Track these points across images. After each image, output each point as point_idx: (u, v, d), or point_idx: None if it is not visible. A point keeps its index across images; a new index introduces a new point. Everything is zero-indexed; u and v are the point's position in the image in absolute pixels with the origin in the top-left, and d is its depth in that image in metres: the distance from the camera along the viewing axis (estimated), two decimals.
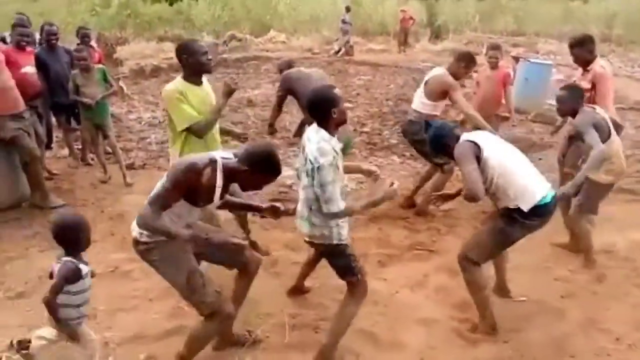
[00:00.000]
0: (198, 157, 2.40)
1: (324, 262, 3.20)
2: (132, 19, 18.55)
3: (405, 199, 5.07)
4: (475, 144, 2.87)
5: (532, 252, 4.07)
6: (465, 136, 2.97)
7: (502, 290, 3.46)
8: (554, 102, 6.12)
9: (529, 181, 2.89)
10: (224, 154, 2.46)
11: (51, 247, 3.04)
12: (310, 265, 3.36)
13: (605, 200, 3.93)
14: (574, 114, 3.69)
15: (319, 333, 3.07)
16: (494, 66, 5.36)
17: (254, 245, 3.57)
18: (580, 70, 4.44)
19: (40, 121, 5.38)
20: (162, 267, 2.49)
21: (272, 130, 5.23)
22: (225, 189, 2.47)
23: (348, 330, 2.86)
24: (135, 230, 2.47)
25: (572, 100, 3.68)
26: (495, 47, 5.53)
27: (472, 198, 2.79)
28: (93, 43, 7.14)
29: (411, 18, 18.43)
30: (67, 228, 2.36)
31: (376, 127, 8.21)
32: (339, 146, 2.63)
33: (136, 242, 2.49)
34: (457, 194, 3.29)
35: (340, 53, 16.55)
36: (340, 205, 2.54)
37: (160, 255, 2.45)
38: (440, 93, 4.66)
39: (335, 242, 2.69)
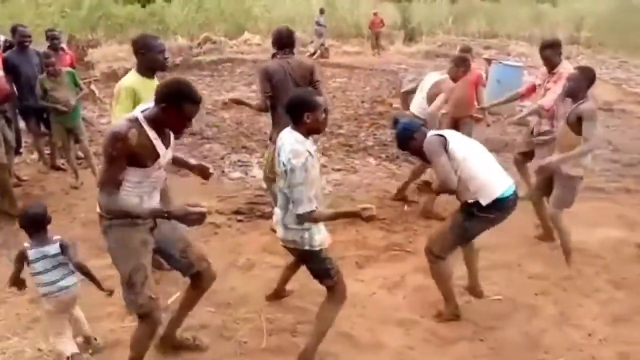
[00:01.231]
0: (119, 123, 2.30)
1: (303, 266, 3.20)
2: (103, 21, 18.26)
3: (396, 193, 5.24)
4: (443, 137, 3.00)
5: (506, 251, 4.14)
6: (432, 132, 3.10)
7: (474, 290, 3.50)
8: (525, 104, 6.26)
9: (490, 176, 2.97)
10: (143, 106, 2.38)
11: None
12: (291, 270, 3.34)
13: (576, 198, 4.02)
14: (577, 97, 3.66)
15: (297, 337, 3.06)
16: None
17: (282, 293, 3.49)
18: (543, 71, 4.60)
19: (8, 126, 5.24)
20: (115, 250, 2.43)
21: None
22: (165, 139, 2.39)
23: (327, 332, 2.86)
24: (98, 206, 2.40)
25: (584, 83, 3.65)
26: (466, 50, 5.63)
27: (445, 189, 2.94)
28: (64, 45, 6.99)
29: (381, 21, 18.59)
30: (23, 217, 2.68)
31: (352, 129, 8.24)
32: (313, 148, 2.62)
33: (100, 217, 2.43)
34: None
35: (315, 55, 16.57)
36: (308, 207, 2.51)
37: (117, 238, 2.40)
38: (434, 97, 4.76)
39: (306, 247, 2.67)
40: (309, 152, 2.55)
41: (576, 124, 3.62)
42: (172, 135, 2.48)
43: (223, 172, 6.10)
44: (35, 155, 6.27)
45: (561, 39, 5.08)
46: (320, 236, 2.70)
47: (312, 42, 17.55)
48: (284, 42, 4.14)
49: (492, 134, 7.58)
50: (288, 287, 3.47)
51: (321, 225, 2.73)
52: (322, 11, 17.54)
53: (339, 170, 6.27)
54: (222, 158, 6.61)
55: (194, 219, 2.21)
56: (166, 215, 2.25)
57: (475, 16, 24.27)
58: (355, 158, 6.79)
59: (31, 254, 2.63)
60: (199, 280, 2.74)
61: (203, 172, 2.80)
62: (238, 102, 4.47)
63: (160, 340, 2.84)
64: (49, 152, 6.16)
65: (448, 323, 3.25)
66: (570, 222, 4.18)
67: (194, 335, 2.98)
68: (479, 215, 2.98)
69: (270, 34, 4.31)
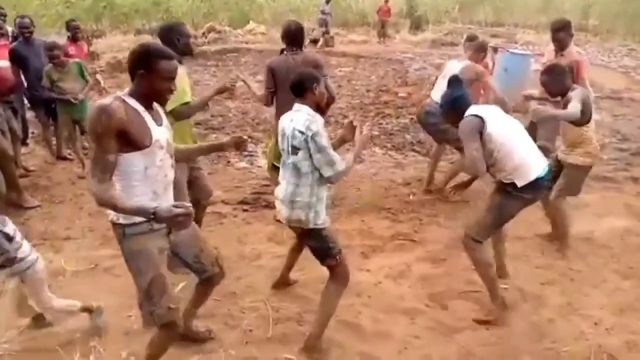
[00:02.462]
0: (102, 99, 2.16)
1: (306, 254, 3.20)
2: (108, 11, 18.24)
3: (424, 191, 5.16)
4: (480, 118, 2.93)
5: (512, 241, 4.12)
6: (472, 109, 3.01)
7: (501, 270, 3.49)
8: (532, 92, 6.19)
9: (526, 157, 2.99)
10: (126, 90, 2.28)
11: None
12: (293, 255, 3.36)
13: (583, 188, 4.00)
14: (565, 92, 3.66)
15: (302, 326, 3.06)
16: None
17: (287, 280, 3.49)
18: (550, 52, 4.57)
19: (15, 116, 5.26)
20: (131, 261, 2.29)
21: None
22: (155, 116, 2.27)
23: (332, 321, 2.87)
24: (111, 212, 2.25)
25: (560, 79, 3.66)
26: (473, 39, 5.58)
27: (473, 173, 3.02)
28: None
29: (388, 10, 18.46)
30: None
31: (358, 119, 8.20)
32: (321, 120, 2.70)
33: (113, 224, 2.29)
34: (471, 181, 3.53)
35: (319, 44, 16.47)
36: (341, 165, 2.67)
37: (133, 249, 2.26)
38: (469, 83, 4.62)
39: (311, 225, 2.73)
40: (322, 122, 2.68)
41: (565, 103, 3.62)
42: (162, 114, 2.35)
43: (228, 162, 6.10)
44: (42, 146, 6.30)
45: None
46: (324, 214, 2.77)
47: (313, 30, 17.42)
48: (291, 37, 4.11)
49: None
50: (293, 275, 3.48)
51: (324, 204, 2.79)
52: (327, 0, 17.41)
53: (344, 159, 6.24)
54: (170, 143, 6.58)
55: (180, 221, 2.02)
56: (152, 216, 2.01)
57: (481, 4, 24.07)
58: (370, 145, 6.75)
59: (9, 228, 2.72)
60: (209, 280, 2.69)
61: (237, 145, 2.64)
62: (245, 82, 4.41)
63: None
64: (55, 142, 6.18)
65: (454, 312, 3.25)
66: (577, 211, 4.18)
67: (209, 327, 2.98)
68: (514, 194, 3.01)
69: (281, 27, 4.28)
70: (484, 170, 2.94)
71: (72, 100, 5.30)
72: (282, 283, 3.46)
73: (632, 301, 3.38)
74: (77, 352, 2.80)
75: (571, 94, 3.58)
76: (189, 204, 2.08)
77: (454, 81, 3.11)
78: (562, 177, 3.84)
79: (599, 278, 3.66)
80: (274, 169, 4.29)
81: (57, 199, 4.97)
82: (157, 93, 2.23)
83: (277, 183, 4.34)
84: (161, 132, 2.27)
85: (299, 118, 2.67)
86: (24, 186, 4.92)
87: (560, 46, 4.52)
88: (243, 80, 4.24)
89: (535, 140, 4.70)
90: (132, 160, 2.17)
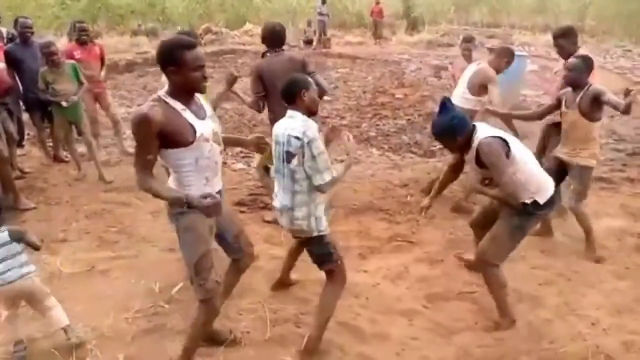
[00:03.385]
0: (144, 105, 2.28)
1: (304, 256, 3.19)
2: (104, 12, 18.19)
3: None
4: (503, 140, 2.85)
5: None
6: (486, 131, 2.89)
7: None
8: (527, 93, 6.20)
9: (543, 175, 2.99)
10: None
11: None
12: (292, 256, 3.36)
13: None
14: (579, 85, 3.66)
15: (300, 327, 3.06)
16: (467, 58, 5.43)
17: (287, 281, 3.49)
18: (561, 61, 4.51)
19: (11, 118, 5.24)
20: (184, 236, 2.44)
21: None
22: (198, 110, 2.36)
23: (331, 323, 2.86)
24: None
25: (585, 71, 3.65)
26: (469, 40, 5.62)
27: (513, 200, 2.88)
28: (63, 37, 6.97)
29: (380, 11, 18.55)
30: None
31: (355, 120, 8.22)
32: (316, 126, 2.68)
33: (168, 205, 2.45)
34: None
35: (314, 45, 16.49)
36: (332, 172, 2.64)
37: (187, 225, 2.40)
38: (484, 87, 4.65)
39: (315, 233, 2.74)
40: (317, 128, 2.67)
41: (590, 108, 3.61)
42: (206, 107, 2.44)
43: (225, 163, 6.09)
44: (37, 148, 6.28)
45: None
46: (324, 221, 2.77)
47: (305, 32, 17.44)
48: (274, 39, 4.09)
49: (494, 125, 7.55)
50: (293, 276, 3.48)
51: (323, 210, 2.79)
52: (324, 1, 17.42)
53: (341, 161, 6.24)
54: (225, 149, 6.59)
55: (210, 211, 2.23)
56: (186, 204, 2.25)
57: (478, 5, 24.14)
58: (357, 149, 6.77)
59: None
60: (238, 263, 2.85)
61: (258, 146, 2.82)
62: (235, 93, 4.34)
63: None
64: (51, 144, 6.16)
65: (451, 313, 3.25)
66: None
67: (232, 330, 2.97)
68: (535, 214, 2.97)
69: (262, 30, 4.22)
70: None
71: (63, 103, 5.22)
72: (282, 284, 3.45)
73: (629, 301, 3.38)
74: (73, 354, 2.79)
75: (598, 89, 3.56)
76: (217, 194, 2.28)
77: (444, 105, 2.93)
78: (576, 181, 3.82)
79: (596, 278, 3.66)
80: (265, 170, 4.32)
81: (53, 201, 4.95)
82: (191, 84, 2.29)
83: (266, 184, 4.38)
84: (205, 125, 2.35)
85: (294, 125, 2.65)
86: (19, 188, 4.90)
87: (563, 54, 4.36)
88: (234, 93, 4.15)
89: (543, 154, 4.67)
90: (182, 155, 2.30)
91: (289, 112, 2.73)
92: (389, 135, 7.38)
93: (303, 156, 2.61)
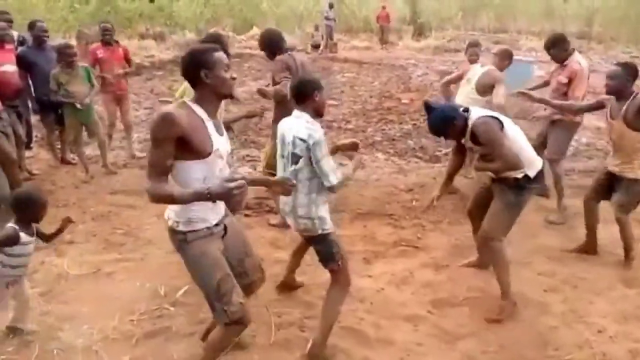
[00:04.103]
0: (168, 106, 2.24)
1: (310, 261, 3.20)
2: (112, 16, 18.28)
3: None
4: (496, 119, 3.04)
5: (515, 247, 4.10)
6: (478, 112, 3.10)
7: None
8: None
9: (530, 150, 3.16)
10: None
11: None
12: (296, 257, 3.36)
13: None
14: (620, 93, 3.60)
15: (305, 331, 3.06)
16: (474, 63, 5.43)
17: (291, 282, 3.48)
18: (555, 64, 4.60)
19: (19, 120, 5.28)
20: (195, 266, 2.29)
21: None
22: (217, 122, 2.28)
23: (335, 327, 2.86)
24: (170, 219, 2.28)
25: (628, 79, 3.59)
26: (475, 45, 5.63)
27: (515, 168, 3.05)
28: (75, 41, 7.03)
29: (387, 16, 18.60)
30: (21, 200, 2.81)
31: (360, 125, 8.22)
32: (321, 129, 2.71)
33: (171, 232, 2.30)
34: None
35: (321, 49, 16.53)
36: (339, 174, 2.67)
37: (196, 253, 2.27)
38: (490, 88, 4.79)
39: (319, 231, 2.77)
40: (322, 130, 2.70)
41: (636, 118, 3.52)
42: (222, 127, 2.36)
43: (230, 166, 6.10)
44: (45, 150, 6.32)
45: (572, 33, 5.07)
46: (328, 220, 2.80)
47: (312, 36, 17.50)
48: (281, 45, 4.31)
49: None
50: (298, 279, 3.48)
51: (328, 210, 2.81)
52: (331, 5, 17.48)
53: (347, 165, 6.24)
54: (231, 153, 6.61)
55: (236, 194, 2.03)
56: (208, 195, 2.04)
57: (484, 11, 24.10)
58: (363, 153, 6.76)
59: (23, 237, 2.78)
60: (249, 286, 2.64)
61: (284, 188, 2.69)
62: (260, 92, 4.52)
63: (207, 332, 2.77)
64: (59, 147, 6.20)
65: (456, 319, 3.23)
66: (581, 219, 4.15)
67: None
68: (528, 187, 3.13)
69: (261, 37, 4.47)
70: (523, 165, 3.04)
71: (78, 105, 5.33)
72: (287, 285, 3.45)
73: (636, 309, 3.36)
74: (79, 356, 2.80)
75: None
76: (239, 177, 2.09)
77: (427, 106, 3.14)
78: (624, 193, 3.73)
79: (603, 285, 3.64)
80: (270, 174, 4.34)
81: (60, 203, 4.97)
82: (225, 85, 2.24)
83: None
84: (222, 142, 2.31)
85: (300, 125, 2.68)
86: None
87: (558, 60, 4.57)
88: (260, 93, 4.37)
89: (542, 149, 4.73)
90: (193, 169, 2.19)
91: (296, 112, 2.76)
92: (395, 139, 7.38)
93: (310, 158, 2.65)
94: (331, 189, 2.69)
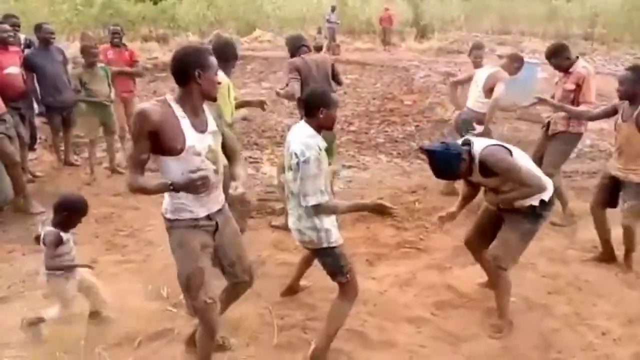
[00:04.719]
0: (145, 103, 2.30)
1: (314, 263, 3.19)
2: (115, 18, 18.37)
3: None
4: (504, 147, 2.91)
5: None
6: (481, 143, 2.93)
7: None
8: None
9: (542, 174, 3.02)
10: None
11: (34, 250, 2.99)
12: (305, 264, 3.35)
13: (589, 197, 3.98)
14: (633, 97, 3.56)
15: (307, 334, 3.05)
16: (477, 65, 5.44)
17: (296, 287, 3.47)
18: (559, 76, 4.54)
19: (22, 122, 5.30)
20: (175, 251, 2.40)
21: None
22: (200, 123, 2.31)
23: (339, 330, 2.85)
24: (163, 206, 2.42)
25: (637, 82, 3.53)
26: (479, 47, 5.64)
27: (537, 192, 2.91)
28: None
29: (389, 17, 18.62)
30: (68, 204, 2.94)
31: (363, 126, 8.22)
32: (323, 144, 2.66)
33: (163, 217, 2.43)
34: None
35: (323, 52, 16.54)
36: (320, 198, 2.55)
37: (178, 239, 2.38)
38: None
39: (324, 245, 2.70)
40: (319, 147, 2.60)
41: None
42: (211, 122, 2.38)
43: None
44: (49, 152, 6.34)
45: (575, 35, 5.04)
46: (336, 232, 2.73)
47: (315, 38, 17.53)
48: (292, 49, 4.41)
49: (504, 130, 7.53)
50: (302, 282, 3.47)
51: (335, 221, 2.75)
52: (333, 8, 17.52)
53: (349, 167, 6.26)
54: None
55: (198, 185, 2.16)
56: (172, 187, 2.20)
57: (487, 13, 24.10)
58: (366, 155, 6.77)
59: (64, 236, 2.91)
60: (236, 287, 2.70)
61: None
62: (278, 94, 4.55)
63: (190, 338, 2.78)
64: (62, 148, 6.21)
65: (460, 321, 3.22)
66: (584, 220, 4.14)
67: (223, 336, 2.94)
68: (542, 214, 3.00)
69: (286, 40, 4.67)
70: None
71: (105, 102, 5.52)
72: (292, 290, 3.45)
73: None
74: (81, 357, 2.80)
75: None
76: (204, 169, 2.24)
77: (425, 151, 2.95)
78: (631, 198, 3.65)
79: (606, 288, 3.62)
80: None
81: None
82: (213, 88, 2.31)
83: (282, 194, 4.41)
84: (201, 139, 2.30)
85: (299, 139, 2.63)
86: (30, 192, 4.94)
87: (561, 69, 4.45)
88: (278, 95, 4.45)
89: (540, 165, 4.73)
90: (169, 164, 2.27)
91: (302, 122, 2.72)
92: (398, 141, 7.37)
93: (298, 173, 2.59)
94: (313, 208, 2.58)
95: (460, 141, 3.03)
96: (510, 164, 2.84)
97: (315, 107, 2.64)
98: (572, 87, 4.32)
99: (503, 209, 3.09)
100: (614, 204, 3.81)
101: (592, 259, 3.99)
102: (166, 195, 2.37)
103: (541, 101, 4.28)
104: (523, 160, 2.95)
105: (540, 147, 4.66)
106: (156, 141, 2.21)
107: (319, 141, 2.63)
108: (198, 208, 2.35)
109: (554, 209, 3.10)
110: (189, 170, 2.24)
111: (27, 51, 5.75)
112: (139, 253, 4.05)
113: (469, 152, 2.90)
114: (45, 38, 5.62)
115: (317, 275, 3.35)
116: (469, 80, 5.21)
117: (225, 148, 2.54)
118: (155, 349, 2.91)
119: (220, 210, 2.47)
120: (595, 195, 3.93)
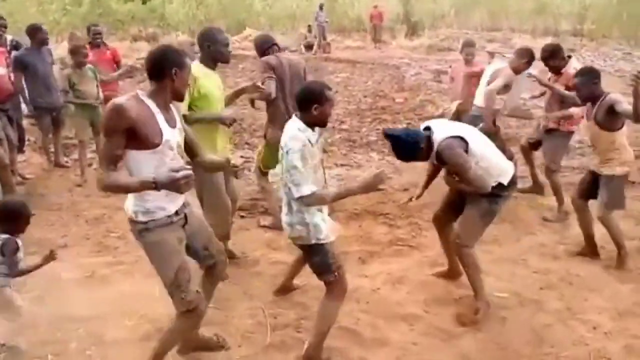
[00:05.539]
0: (116, 98, 2.30)
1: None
2: (104, 18, 18.25)
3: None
4: (459, 137, 3.00)
5: (510, 245, 4.13)
6: (441, 132, 3.04)
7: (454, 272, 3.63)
8: (527, 97, 6.26)
9: (501, 159, 3.15)
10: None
11: (25, 252, 2.96)
12: (297, 265, 3.34)
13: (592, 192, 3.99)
14: (593, 98, 3.66)
15: (300, 333, 3.05)
16: (469, 62, 5.45)
17: (289, 287, 3.47)
18: (544, 71, 4.61)
19: (10, 124, 5.25)
20: (154, 252, 2.37)
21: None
22: (168, 115, 2.33)
23: (331, 329, 2.84)
24: (129, 210, 2.35)
25: (590, 83, 3.66)
26: (471, 44, 5.65)
27: (482, 188, 3.04)
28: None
29: (379, 15, 18.66)
30: (10, 212, 2.83)
31: (355, 125, 8.22)
32: (314, 137, 2.64)
33: (131, 222, 2.37)
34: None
35: (314, 50, 16.55)
36: (306, 190, 2.53)
37: (154, 241, 2.35)
38: (506, 87, 4.75)
39: (313, 241, 2.68)
40: (309, 141, 2.59)
41: (606, 118, 3.60)
42: (177, 117, 2.42)
43: (183, 158, 6.09)
44: (38, 154, 6.29)
45: (564, 31, 5.08)
46: (325, 228, 2.70)
47: (305, 37, 17.55)
48: (264, 47, 4.30)
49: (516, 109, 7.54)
50: (295, 281, 3.46)
51: (326, 217, 2.74)
52: (321, 7, 17.51)
53: (342, 165, 6.26)
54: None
55: (182, 184, 2.14)
56: (154, 185, 2.14)
57: (477, 9, 24.16)
58: (358, 153, 6.78)
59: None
60: (213, 270, 2.74)
61: (233, 171, 2.82)
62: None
63: (182, 342, 2.77)
64: (52, 149, 6.17)
65: (452, 318, 3.23)
66: (576, 217, 4.15)
67: (217, 334, 2.95)
68: (502, 195, 3.13)
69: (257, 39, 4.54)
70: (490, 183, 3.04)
71: (95, 104, 5.49)
72: (285, 290, 3.44)
73: (630, 305, 3.37)
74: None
75: (612, 98, 3.56)
76: (188, 168, 2.21)
77: (387, 135, 3.07)
78: (604, 192, 3.75)
79: (597, 282, 3.65)
80: (263, 173, 4.36)
81: (53, 206, 4.95)
82: (184, 88, 2.39)
83: (262, 187, 4.40)
84: (173, 134, 2.34)
85: (289, 131, 2.63)
86: (20, 194, 4.90)
87: (554, 71, 4.56)
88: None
89: (533, 150, 4.79)
90: (143, 159, 2.26)
91: (294, 117, 2.70)
92: None
93: (283, 166, 2.60)
94: (300, 199, 2.57)
95: (422, 126, 3.18)
96: (459, 161, 2.97)
97: (309, 103, 2.61)
98: (562, 88, 4.40)
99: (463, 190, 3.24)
100: (595, 196, 3.88)
101: (576, 253, 4.03)
102: (131, 197, 2.33)
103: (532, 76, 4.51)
104: (481, 152, 3.03)
105: (537, 137, 4.87)
106: (132, 136, 2.19)
107: (309, 135, 2.60)
108: (169, 205, 2.36)
109: (514, 189, 3.23)
110: (164, 165, 2.25)
111: (19, 51, 5.73)
112: (130, 254, 4.02)
113: (429, 138, 3.04)
114: (43, 39, 5.61)
115: (310, 275, 3.34)
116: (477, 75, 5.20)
117: (189, 143, 2.55)
118: (148, 350, 2.86)
119: (184, 202, 2.50)
120: (576, 188, 4.05)
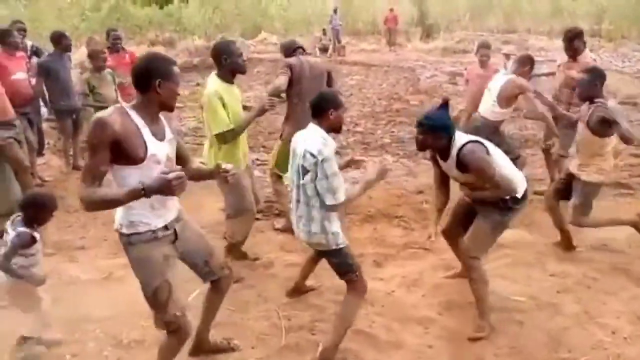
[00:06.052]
0: (104, 111, 2.20)
1: (321, 264, 3.19)
2: (122, 23, 18.49)
3: None
4: (481, 143, 2.93)
5: (527, 249, 4.09)
6: (463, 137, 2.92)
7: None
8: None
9: (516, 171, 3.10)
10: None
11: (44, 254, 3.01)
12: (310, 265, 3.35)
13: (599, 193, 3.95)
14: (590, 99, 3.64)
15: (315, 335, 3.05)
16: (484, 64, 5.41)
17: (302, 288, 3.48)
18: (561, 60, 4.59)
19: (31, 127, 5.35)
20: (137, 267, 2.32)
21: None
22: (158, 131, 2.26)
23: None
24: (116, 222, 2.31)
25: (593, 84, 3.63)
26: (486, 46, 5.61)
27: (510, 193, 2.98)
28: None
29: (394, 18, 18.64)
30: (36, 201, 2.87)
31: (369, 127, 8.22)
32: (334, 145, 2.70)
33: (118, 234, 2.33)
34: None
35: (329, 53, 16.59)
36: (342, 195, 2.63)
37: (137, 256, 2.29)
38: (514, 98, 4.64)
39: (333, 247, 2.74)
40: (334, 146, 2.68)
41: (598, 126, 3.57)
42: (167, 129, 2.33)
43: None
44: (57, 156, 6.40)
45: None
46: (341, 235, 2.76)
47: (320, 39, 17.58)
48: (287, 51, 4.43)
49: (512, 129, 7.49)
50: (308, 283, 3.47)
51: (339, 224, 2.78)
52: (335, 11, 17.59)
53: (356, 168, 6.24)
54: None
55: (175, 185, 2.03)
56: (143, 191, 2.05)
57: (493, 11, 23.99)
58: (373, 155, 6.75)
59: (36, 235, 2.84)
60: (218, 284, 2.70)
61: (222, 178, 2.60)
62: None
63: (193, 347, 2.80)
64: (71, 153, 6.26)
65: (467, 321, 3.20)
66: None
67: (228, 338, 2.96)
68: (514, 208, 3.06)
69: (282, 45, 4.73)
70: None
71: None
72: (297, 291, 3.45)
73: None
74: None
75: (610, 115, 3.48)
76: (178, 168, 2.19)
77: (446, 104, 2.94)
78: (577, 196, 3.79)
79: (615, 286, 3.59)
80: (275, 174, 4.36)
81: (72, 208, 5.02)
82: (172, 98, 2.26)
83: (276, 190, 4.44)
84: (160, 147, 2.25)
85: (312, 140, 2.65)
86: None
87: (574, 53, 4.55)
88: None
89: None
90: (128, 174, 2.18)
91: (311, 126, 2.73)
92: (404, 141, 7.35)
93: (316, 174, 2.61)
94: (330, 207, 2.63)
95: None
96: (485, 166, 2.85)
97: (325, 109, 2.67)
98: (578, 76, 4.34)
99: (475, 201, 3.17)
100: (568, 198, 3.89)
101: (553, 244, 4.10)
102: (119, 209, 2.27)
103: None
104: (499, 159, 2.98)
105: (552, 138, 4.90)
106: (117, 151, 2.12)
107: (332, 141, 2.69)
108: (155, 219, 2.29)
109: (526, 203, 3.15)
110: (148, 179, 2.12)
111: (42, 58, 5.91)
112: None
113: (450, 140, 2.88)
114: (67, 45, 5.82)
115: (325, 276, 3.35)
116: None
117: (177, 152, 2.44)
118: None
119: (176, 217, 2.41)
120: (551, 187, 4.08)
